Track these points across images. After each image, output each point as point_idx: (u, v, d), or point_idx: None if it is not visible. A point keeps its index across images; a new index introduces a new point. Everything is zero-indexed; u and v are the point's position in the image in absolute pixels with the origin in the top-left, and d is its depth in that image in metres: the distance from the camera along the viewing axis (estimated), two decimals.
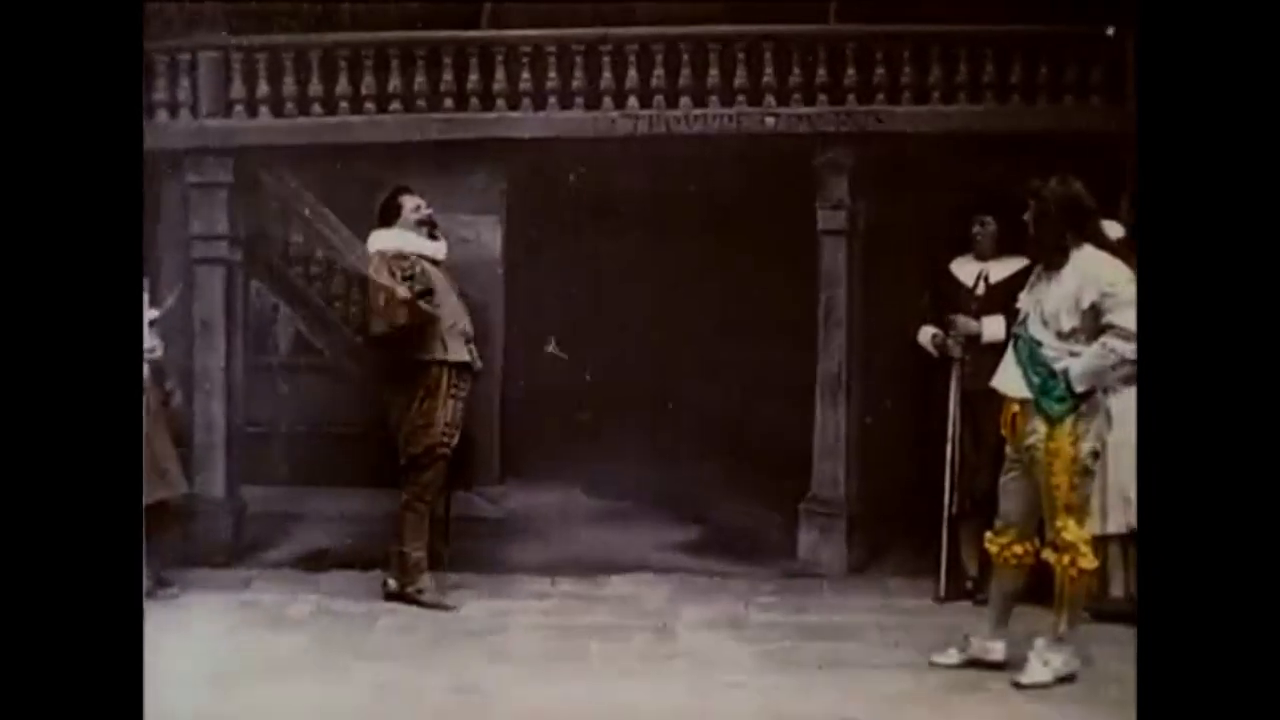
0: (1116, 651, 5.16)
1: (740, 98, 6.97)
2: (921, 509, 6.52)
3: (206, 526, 6.98)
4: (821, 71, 6.95)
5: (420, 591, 6.37)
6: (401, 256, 6.34)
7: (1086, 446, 5.23)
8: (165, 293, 6.77)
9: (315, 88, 7.05)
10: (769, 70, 6.97)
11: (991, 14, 6.85)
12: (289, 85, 7.07)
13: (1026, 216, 5.38)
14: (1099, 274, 5.16)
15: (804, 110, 6.97)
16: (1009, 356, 5.37)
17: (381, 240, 6.43)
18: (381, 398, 6.36)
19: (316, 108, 7.07)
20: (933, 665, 5.53)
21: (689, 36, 6.98)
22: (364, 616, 6.24)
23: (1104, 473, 5.58)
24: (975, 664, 5.48)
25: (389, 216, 6.44)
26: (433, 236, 6.46)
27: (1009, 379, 5.35)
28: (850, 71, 6.95)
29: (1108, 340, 5.12)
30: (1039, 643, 5.35)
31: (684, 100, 6.98)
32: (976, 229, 6.49)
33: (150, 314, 6.27)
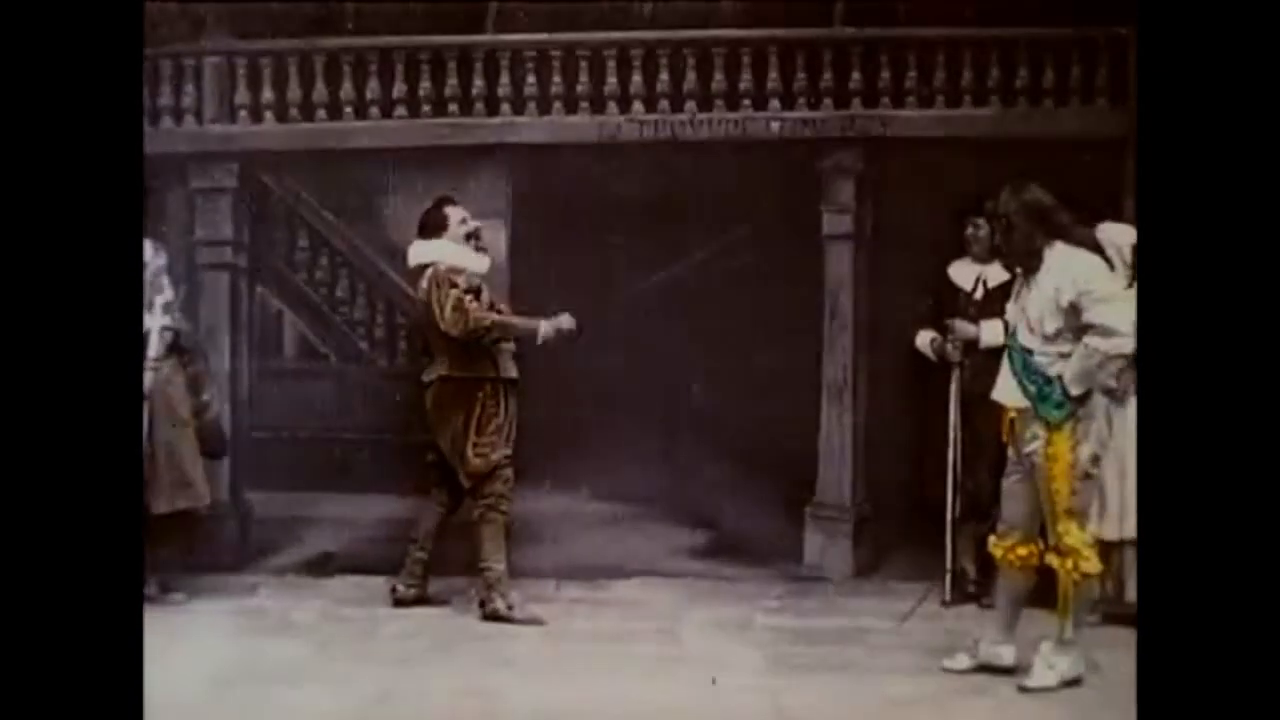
0: (1127, 655, 5.14)
1: (745, 102, 6.97)
2: (926, 513, 6.51)
3: (212, 532, 6.98)
4: (826, 75, 6.95)
5: (510, 608, 6.19)
6: (457, 271, 6.22)
7: (1086, 451, 5.22)
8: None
9: (319, 92, 7.05)
10: (774, 74, 6.96)
11: (996, 18, 6.85)
12: (293, 90, 7.07)
13: (996, 239, 5.39)
14: (1075, 272, 5.15)
15: (809, 114, 6.97)
16: (1004, 367, 5.37)
17: (430, 252, 6.27)
18: (434, 417, 6.27)
19: (321, 113, 7.06)
20: (944, 670, 5.52)
21: (694, 41, 6.98)
22: (370, 622, 6.24)
23: (1119, 477, 5.57)
24: (985, 669, 5.47)
25: (434, 228, 6.30)
26: (479, 250, 6.34)
27: (1007, 389, 5.34)
28: (855, 75, 6.94)
29: (1089, 340, 5.11)
30: (1044, 646, 5.35)
31: (689, 104, 6.98)
32: (971, 231, 6.49)
33: (166, 295, 6.27)
